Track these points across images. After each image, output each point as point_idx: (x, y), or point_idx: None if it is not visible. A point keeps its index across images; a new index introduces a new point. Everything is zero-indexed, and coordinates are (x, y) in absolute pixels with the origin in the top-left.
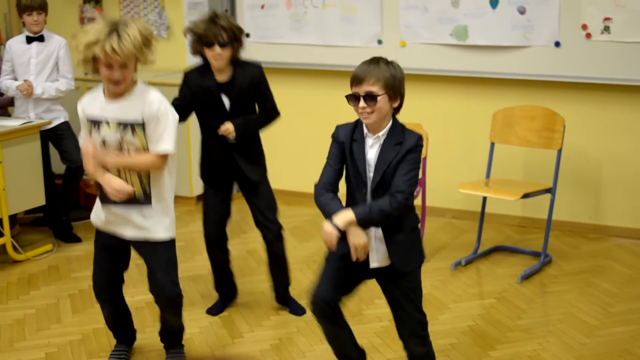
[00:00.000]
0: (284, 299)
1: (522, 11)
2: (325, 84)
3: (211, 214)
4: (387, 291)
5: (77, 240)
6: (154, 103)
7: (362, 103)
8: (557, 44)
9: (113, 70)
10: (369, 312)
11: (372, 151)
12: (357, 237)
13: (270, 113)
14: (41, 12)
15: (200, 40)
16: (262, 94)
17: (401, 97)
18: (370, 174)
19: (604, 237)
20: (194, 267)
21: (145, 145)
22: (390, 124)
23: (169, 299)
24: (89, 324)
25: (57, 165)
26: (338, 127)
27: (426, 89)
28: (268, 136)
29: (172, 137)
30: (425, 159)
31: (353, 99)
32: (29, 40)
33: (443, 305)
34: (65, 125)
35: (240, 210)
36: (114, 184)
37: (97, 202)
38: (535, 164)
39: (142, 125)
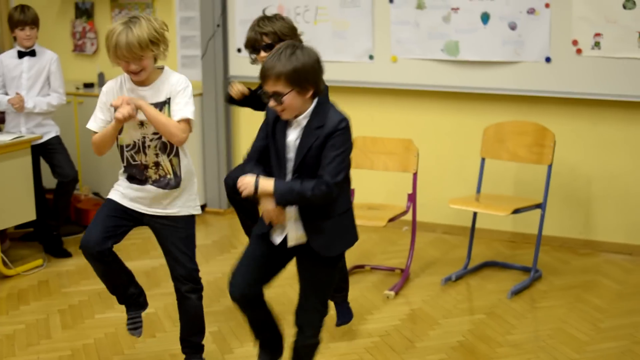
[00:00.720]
0: None
1: (513, 27)
2: None
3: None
4: (301, 272)
5: (68, 255)
6: (178, 83)
7: (271, 102)
8: (548, 60)
9: (129, 64)
10: (359, 327)
11: (293, 133)
12: (266, 203)
13: None
14: (33, 27)
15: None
16: None
17: (315, 84)
18: (291, 155)
19: (594, 252)
20: None
21: None
22: (312, 106)
23: (187, 274)
24: (79, 339)
25: (48, 180)
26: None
27: (417, 104)
28: None
29: (192, 108)
30: (415, 174)
31: (265, 96)
32: (21, 54)
33: (433, 320)
34: (56, 140)
35: (230, 226)
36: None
37: (123, 182)
38: (526, 179)
39: (169, 105)
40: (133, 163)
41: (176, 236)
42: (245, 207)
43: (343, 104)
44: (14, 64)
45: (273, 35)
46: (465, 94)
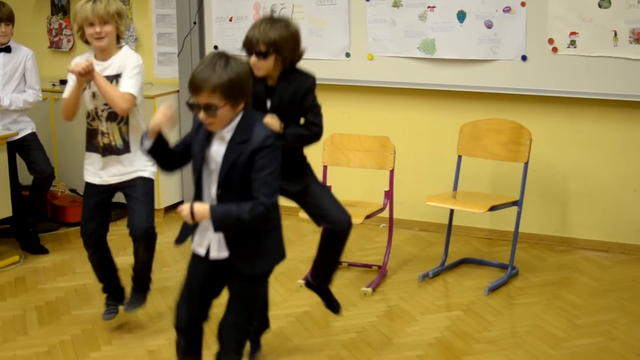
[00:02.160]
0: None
1: (489, 25)
2: None
3: None
4: (228, 286)
5: (44, 251)
6: (129, 59)
7: (202, 115)
8: (524, 58)
9: (94, 26)
10: (336, 324)
11: (217, 144)
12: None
13: (310, 129)
14: (9, 23)
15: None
16: (305, 108)
17: (246, 96)
18: (213, 166)
19: (571, 249)
20: (162, 279)
21: None
22: (237, 119)
23: (142, 230)
24: (56, 335)
25: (24, 176)
26: None
27: (394, 102)
28: None
29: (137, 86)
30: (392, 171)
31: (194, 107)
32: None
33: (410, 317)
34: (32, 136)
35: None
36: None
37: (87, 155)
38: (502, 176)
39: (119, 78)
40: (89, 129)
41: (134, 195)
42: None
43: (320, 101)
44: None
45: (268, 44)
46: (442, 92)
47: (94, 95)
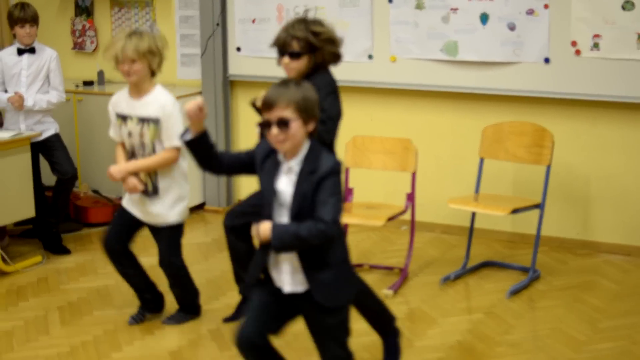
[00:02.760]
0: None
1: (512, 27)
2: None
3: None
4: (309, 323)
5: (67, 252)
6: (167, 105)
7: (274, 130)
8: (547, 60)
9: (124, 64)
10: (357, 326)
11: (285, 179)
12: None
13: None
14: (33, 24)
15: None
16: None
17: (315, 119)
18: (282, 201)
19: (593, 252)
20: None
21: (153, 138)
22: (305, 151)
23: (167, 269)
24: (78, 336)
25: (47, 177)
26: (260, 142)
27: (416, 104)
28: None
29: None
30: (414, 173)
31: (266, 126)
32: (20, 52)
33: (431, 319)
34: (55, 137)
35: None
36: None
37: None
38: (525, 179)
39: (156, 122)
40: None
41: (160, 237)
42: (239, 254)
43: (342, 104)
44: (13, 61)
45: (304, 42)
46: (464, 94)
47: (129, 134)
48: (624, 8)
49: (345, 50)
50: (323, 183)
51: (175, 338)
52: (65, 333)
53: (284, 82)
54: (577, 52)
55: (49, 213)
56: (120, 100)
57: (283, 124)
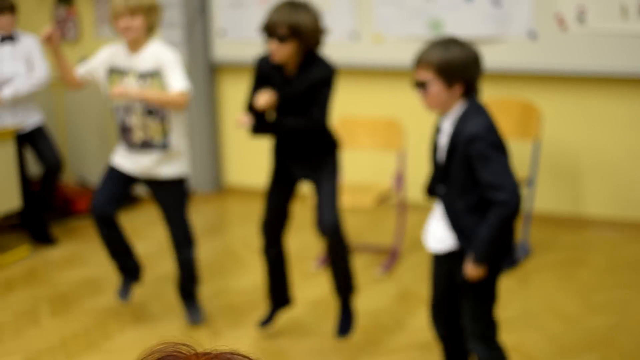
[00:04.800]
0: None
1: (496, 3)
2: None
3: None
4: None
5: (54, 241)
6: (165, 55)
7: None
8: (533, 36)
9: (122, 20)
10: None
11: (442, 137)
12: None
13: (309, 119)
14: (11, 13)
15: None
16: (315, 99)
17: (466, 81)
18: (437, 159)
19: (584, 227)
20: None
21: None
22: (460, 110)
23: (181, 235)
24: (68, 327)
25: (33, 168)
26: None
27: (402, 83)
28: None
29: (185, 78)
30: (403, 153)
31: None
32: (0, 40)
33: (423, 299)
34: (41, 128)
35: (218, 209)
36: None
37: (119, 146)
38: (513, 155)
39: (159, 76)
40: (123, 125)
41: (167, 199)
42: (277, 272)
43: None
44: None
45: (289, 27)
46: None
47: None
48: None
49: (329, 30)
50: (473, 153)
51: (166, 325)
52: (55, 324)
53: (436, 42)
54: (563, 27)
55: (35, 203)
56: (119, 54)
57: (421, 86)
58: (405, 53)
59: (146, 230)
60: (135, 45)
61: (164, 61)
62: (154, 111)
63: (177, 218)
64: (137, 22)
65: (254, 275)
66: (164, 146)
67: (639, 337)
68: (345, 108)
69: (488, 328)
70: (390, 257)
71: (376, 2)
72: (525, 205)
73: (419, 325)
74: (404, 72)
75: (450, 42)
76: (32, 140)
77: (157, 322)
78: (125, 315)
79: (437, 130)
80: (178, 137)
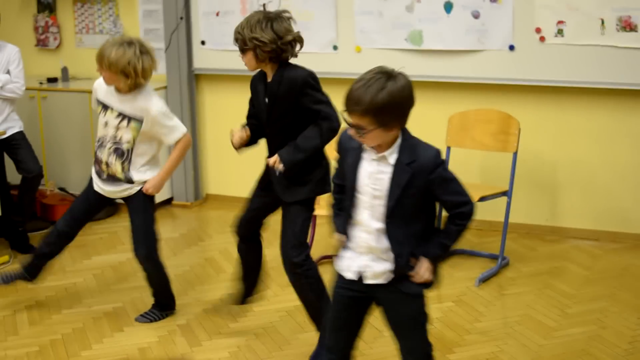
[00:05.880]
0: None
1: (476, 15)
2: None
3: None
4: (387, 313)
5: (34, 251)
6: (152, 108)
7: (352, 132)
8: (512, 48)
9: (101, 69)
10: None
11: (373, 166)
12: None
13: (320, 124)
14: None
15: None
16: (307, 105)
17: (401, 119)
18: (365, 190)
19: (561, 238)
20: None
21: (136, 136)
22: (399, 141)
23: (144, 252)
24: (46, 335)
25: (12, 175)
26: None
27: None
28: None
29: (177, 123)
30: None
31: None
32: None
33: None
34: (20, 135)
35: (197, 218)
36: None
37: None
38: (492, 167)
39: (138, 122)
40: (96, 155)
41: (132, 211)
42: (249, 264)
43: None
44: None
45: (242, 39)
46: (430, 83)
47: (106, 124)
48: None
49: (310, 42)
50: (435, 179)
51: (144, 334)
52: (34, 332)
53: (369, 80)
54: (542, 39)
55: (15, 212)
56: (102, 86)
57: (359, 129)
58: (385, 64)
59: (124, 238)
60: (119, 89)
61: (151, 114)
62: (120, 151)
63: (144, 224)
64: (107, 75)
65: (232, 284)
66: (128, 181)
67: (616, 347)
68: None
69: (429, 347)
70: None
71: (357, 13)
72: (502, 217)
73: None
74: None
75: (381, 80)
76: (11, 148)
77: (136, 330)
78: (104, 323)
79: (357, 161)
80: (143, 172)
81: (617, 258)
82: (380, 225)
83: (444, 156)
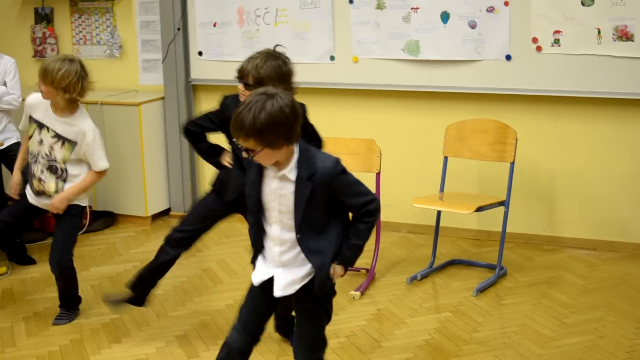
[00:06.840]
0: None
1: (472, 25)
2: None
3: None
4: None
5: (32, 262)
6: (88, 133)
7: (244, 154)
8: (508, 58)
9: (39, 82)
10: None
11: (275, 184)
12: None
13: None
14: None
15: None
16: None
17: (287, 137)
18: (272, 205)
19: (558, 248)
20: None
21: (67, 158)
22: (296, 157)
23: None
24: (44, 347)
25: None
26: None
27: (379, 104)
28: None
29: (104, 155)
30: (378, 174)
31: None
32: None
33: (399, 319)
34: (17, 146)
35: None
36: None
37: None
38: (489, 177)
39: (72, 144)
40: (30, 169)
41: (59, 224)
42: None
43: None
44: None
45: (256, 79)
46: (427, 93)
47: (41, 142)
48: (583, 4)
49: (307, 52)
50: (337, 186)
51: (142, 346)
52: (31, 344)
53: (249, 104)
54: (538, 49)
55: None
56: (39, 106)
57: (248, 151)
58: (382, 74)
59: (121, 249)
60: (56, 107)
61: (87, 139)
62: (54, 168)
63: (62, 239)
64: (48, 90)
65: (230, 294)
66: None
67: (614, 357)
68: (322, 129)
69: (323, 343)
70: (367, 277)
71: (354, 24)
72: (500, 227)
73: (396, 344)
74: (381, 93)
75: (259, 102)
76: (9, 159)
77: (133, 342)
78: (102, 335)
79: (260, 178)
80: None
81: (615, 267)
82: (292, 236)
83: (440, 166)
